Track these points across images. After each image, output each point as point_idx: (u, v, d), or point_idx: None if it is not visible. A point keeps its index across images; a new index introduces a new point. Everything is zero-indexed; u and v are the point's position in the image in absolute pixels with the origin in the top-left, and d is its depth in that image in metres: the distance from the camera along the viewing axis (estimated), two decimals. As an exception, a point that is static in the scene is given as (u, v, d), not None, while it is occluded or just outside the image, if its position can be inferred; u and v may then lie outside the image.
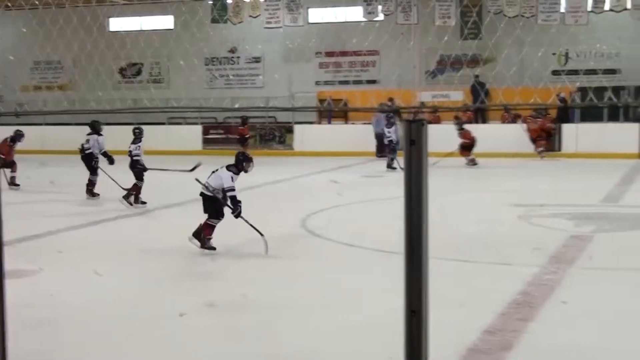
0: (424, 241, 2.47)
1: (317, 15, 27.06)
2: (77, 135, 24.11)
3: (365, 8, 24.20)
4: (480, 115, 23.47)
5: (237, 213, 8.73)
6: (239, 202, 8.80)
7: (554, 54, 24.39)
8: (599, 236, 9.79)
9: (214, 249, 8.77)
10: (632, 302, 6.67)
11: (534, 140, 20.76)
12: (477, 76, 24.59)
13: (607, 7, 22.11)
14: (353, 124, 25.42)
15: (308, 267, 8.30)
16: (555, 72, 24.22)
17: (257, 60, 28.82)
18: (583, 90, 22.70)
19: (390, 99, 24.58)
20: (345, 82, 27.58)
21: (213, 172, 9.11)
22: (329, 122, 26.44)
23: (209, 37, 27.07)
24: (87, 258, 8.57)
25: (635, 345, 5.53)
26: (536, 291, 6.89)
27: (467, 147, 19.53)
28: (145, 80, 30.05)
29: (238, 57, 29.07)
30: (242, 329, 5.98)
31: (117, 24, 29.93)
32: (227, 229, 10.67)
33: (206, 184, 8.96)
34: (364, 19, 24.36)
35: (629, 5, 21.94)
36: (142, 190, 12.81)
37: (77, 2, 26.10)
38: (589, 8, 22.17)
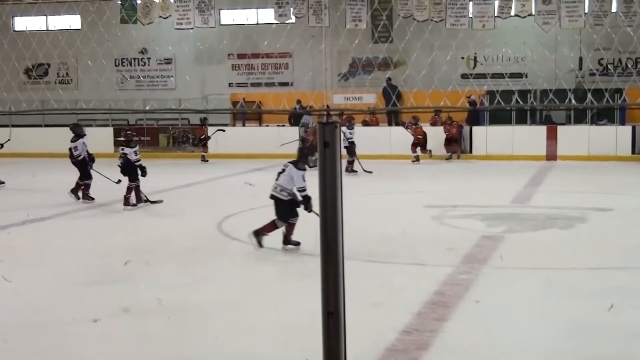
0: (339, 242, 2.48)
1: (229, 16, 26.91)
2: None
3: (276, 10, 24.20)
4: (393, 117, 23.76)
5: (310, 209, 8.54)
6: (310, 198, 8.64)
7: (462, 57, 24.91)
8: (510, 236, 10.02)
9: (299, 243, 8.85)
10: (541, 300, 6.86)
11: (416, 145, 21.05)
12: (389, 79, 24.91)
13: (512, 12, 22.77)
14: (267, 126, 25.38)
15: (223, 270, 8.24)
16: (464, 76, 24.74)
17: (168, 61, 28.44)
18: (491, 94, 23.24)
19: (298, 101, 24.67)
20: (258, 84, 27.52)
21: (279, 173, 9.03)
22: (243, 125, 26.33)
23: (118, 38, 26.54)
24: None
25: (544, 338, 5.68)
26: (450, 291, 7.01)
27: (419, 143, 20.24)
28: (53, 81, 29.25)
29: (149, 58, 28.61)
30: (156, 333, 5.88)
31: (22, 23, 29.06)
32: (141, 232, 10.51)
33: (277, 187, 8.95)
34: (276, 21, 24.37)
35: (533, 11, 22.65)
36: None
37: (-23, 0, 25.21)
38: (496, 13, 22.79)
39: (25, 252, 9.25)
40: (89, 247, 9.45)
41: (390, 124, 23.90)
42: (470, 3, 22.76)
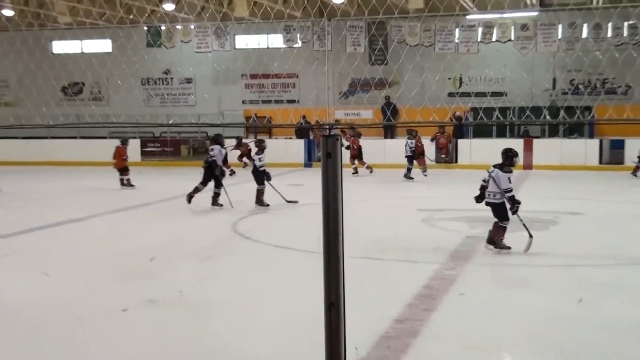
0: (340, 242, 2.49)
1: (243, 41, 26.99)
2: (23, 147, 23.49)
3: (285, 36, 24.30)
4: (390, 131, 23.79)
5: (514, 211, 8.38)
6: (518, 201, 8.45)
7: (449, 78, 24.93)
8: (490, 236, 10.02)
9: (509, 247, 8.54)
10: (518, 294, 6.87)
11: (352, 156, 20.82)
12: (387, 97, 24.96)
13: (494, 38, 22.82)
14: (276, 138, 25.39)
15: (239, 266, 8.24)
16: (450, 94, 24.76)
17: (189, 81, 28.49)
18: (475, 110, 23.27)
19: (304, 117, 24.74)
20: (268, 102, 27.56)
21: (486, 179, 8.68)
22: (255, 137, 26.34)
23: (144, 60, 26.65)
24: (34, 261, 8.32)
25: (521, 328, 5.68)
26: (438, 285, 7.02)
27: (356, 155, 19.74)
28: (87, 98, 29.32)
29: (171, 78, 28.68)
30: (178, 322, 5.90)
31: (59, 46, 29.17)
32: (164, 232, 10.53)
33: (489, 193, 8.58)
34: (284, 46, 24.44)
35: (512, 37, 22.70)
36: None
37: (20, 26, 25.31)
38: (479, 39, 22.84)
39: (60, 251, 9.27)
40: (117, 246, 9.46)
41: (386, 137, 23.93)
42: (457, 30, 22.81)
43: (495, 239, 8.55)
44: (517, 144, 21.36)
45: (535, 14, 22.79)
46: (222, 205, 12.79)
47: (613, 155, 21.05)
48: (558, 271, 7.78)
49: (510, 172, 8.58)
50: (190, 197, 13.02)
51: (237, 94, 27.75)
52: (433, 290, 6.77)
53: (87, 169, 20.62)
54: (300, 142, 23.15)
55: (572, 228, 10.81)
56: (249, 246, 9.48)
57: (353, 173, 19.56)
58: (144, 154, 24.09)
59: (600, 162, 20.84)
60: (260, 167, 12.89)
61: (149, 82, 28.75)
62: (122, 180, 16.76)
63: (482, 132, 22.70)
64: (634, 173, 17.93)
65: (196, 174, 20.10)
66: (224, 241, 9.79)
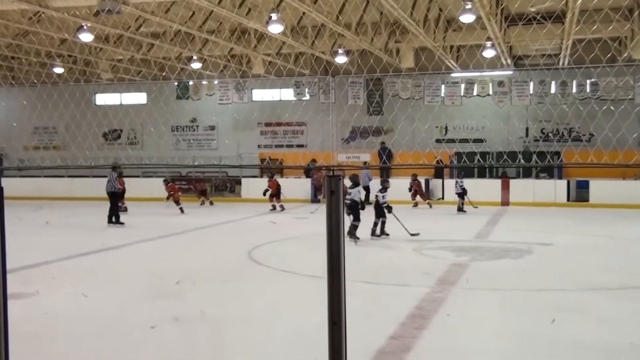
0: (341, 267, 2.48)
1: (259, 94, 27.28)
2: (68, 184, 23.58)
3: (295, 90, 24.62)
4: (385, 172, 23.82)
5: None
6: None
7: (436, 127, 25.06)
8: (474, 264, 9.95)
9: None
10: (498, 313, 6.80)
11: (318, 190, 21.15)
12: (383, 142, 25.05)
13: (475, 93, 23.01)
14: (287, 177, 25.45)
15: (253, 288, 8.19)
16: (438, 141, 24.86)
17: (212, 128, 28.70)
18: (459, 154, 23.33)
19: (314, 160, 24.82)
20: (280, 146, 27.70)
21: None
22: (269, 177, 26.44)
23: (174, 110, 26.95)
24: (76, 282, 8.28)
25: (500, 345, 5.62)
26: (427, 306, 6.95)
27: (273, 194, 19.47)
28: (124, 143, 29.52)
29: (197, 126, 28.89)
30: (200, 338, 5.84)
31: (102, 98, 29.54)
32: (189, 258, 10.49)
33: None
34: (294, 98, 24.70)
35: (490, 92, 22.89)
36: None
37: (68, 81, 25.65)
38: (462, 93, 23.04)
39: (98, 273, 9.24)
40: (147, 270, 9.44)
41: (382, 177, 23.92)
42: (443, 85, 23.03)
43: None
44: (495, 184, 21.46)
45: (510, 72, 23.00)
46: (358, 238, 12.16)
47: (579, 194, 21.00)
48: (532, 294, 7.70)
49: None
50: (352, 235, 12.08)
51: (254, 139, 27.91)
52: (423, 311, 6.70)
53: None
54: (308, 181, 23.19)
55: (544, 257, 10.73)
56: (262, 271, 9.43)
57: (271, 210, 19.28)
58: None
59: (568, 199, 20.79)
60: (383, 203, 12.73)
61: (178, 129, 28.96)
62: (180, 208, 18.12)
63: (465, 173, 22.69)
64: None
65: (217, 208, 20.19)
66: (240, 267, 9.74)
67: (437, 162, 22.66)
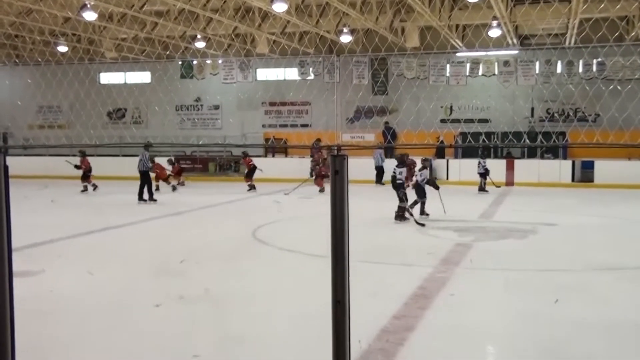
0: (345, 246, 2.48)
1: (263, 74, 27.16)
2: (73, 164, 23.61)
3: (299, 70, 24.47)
4: (389, 152, 23.77)
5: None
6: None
7: (441, 107, 24.94)
8: (477, 244, 9.95)
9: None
10: (501, 293, 6.82)
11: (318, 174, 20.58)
12: (387, 122, 24.95)
13: (480, 73, 22.85)
14: (291, 157, 25.46)
15: (257, 267, 8.22)
16: (442, 121, 24.76)
17: (216, 107, 28.64)
18: (464, 135, 23.25)
19: (318, 139, 24.74)
20: (285, 126, 27.65)
21: None
22: (273, 156, 26.45)
23: (178, 89, 26.87)
24: (82, 261, 8.33)
25: (502, 325, 5.64)
26: (431, 286, 6.97)
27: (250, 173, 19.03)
28: (128, 122, 29.52)
29: (201, 105, 28.83)
30: (204, 316, 5.87)
31: (106, 77, 29.43)
32: (194, 238, 10.53)
33: None
34: (299, 78, 24.58)
35: (496, 72, 22.72)
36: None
37: (72, 60, 25.57)
38: (467, 73, 22.87)
39: (104, 252, 9.29)
40: (152, 249, 9.49)
41: (386, 157, 23.88)
42: (448, 65, 22.86)
43: None
44: (500, 164, 21.39)
45: (515, 52, 22.81)
46: (407, 219, 12.05)
47: (584, 174, 20.94)
48: (535, 274, 7.71)
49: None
50: (401, 217, 12.09)
51: (258, 119, 27.86)
52: (426, 291, 6.72)
53: (129, 183, 20.66)
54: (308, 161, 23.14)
55: (548, 237, 10.73)
56: (266, 250, 9.46)
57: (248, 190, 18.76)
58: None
59: (573, 180, 20.74)
60: (422, 181, 12.59)
61: (182, 108, 28.91)
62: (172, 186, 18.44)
63: (469, 153, 22.65)
64: None
65: (222, 187, 20.21)
66: (244, 246, 9.77)
67: (440, 142, 22.58)
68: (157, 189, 18.36)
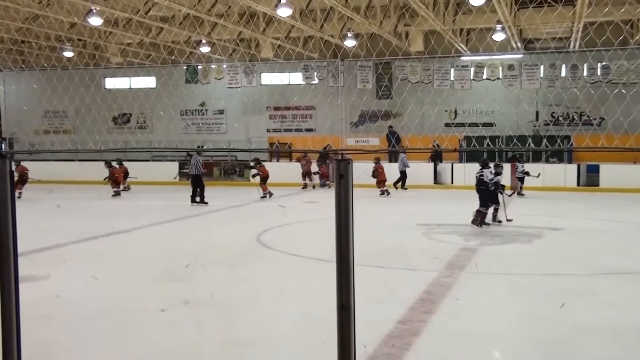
0: (350, 251, 2.47)
1: (267, 78, 27.19)
2: (78, 168, 23.68)
3: (304, 74, 24.47)
4: (394, 156, 23.75)
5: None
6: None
7: (446, 111, 24.91)
8: (483, 248, 9.94)
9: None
10: (507, 298, 6.79)
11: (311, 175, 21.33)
12: (390, 126, 24.93)
13: (484, 76, 22.81)
14: (296, 162, 25.46)
15: (261, 271, 8.22)
16: (447, 125, 24.73)
17: (221, 112, 28.69)
18: (468, 139, 23.21)
19: (329, 144, 24.77)
20: (289, 130, 27.66)
21: None
22: (277, 160, 26.43)
23: (183, 94, 26.93)
24: (87, 265, 8.33)
25: (508, 329, 5.61)
26: (436, 290, 6.94)
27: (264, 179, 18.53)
28: (133, 127, 29.58)
29: (206, 110, 28.89)
30: (209, 320, 5.86)
31: (111, 82, 29.56)
32: (198, 241, 10.53)
33: None
34: (303, 82, 24.59)
35: (500, 76, 22.69)
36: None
37: (78, 65, 25.67)
38: (472, 77, 22.85)
39: (109, 256, 9.29)
40: (157, 253, 9.48)
41: (390, 161, 23.87)
42: (452, 69, 22.85)
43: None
44: (505, 168, 21.29)
45: (520, 56, 22.79)
46: (488, 224, 12.04)
47: (589, 178, 20.86)
48: (541, 279, 7.68)
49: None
50: (481, 222, 12.00)
51: (263, 124, 27.89)
52: (432, 295, 6.70)
53: (133, 188, 20.73)
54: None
55: (554, 241, 10.69)
56: (271, 255, 9.45)
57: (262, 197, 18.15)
58: (181, 174, 24.17)
59: (578, 184, 20.67)
60: (496, 187, 12.09)
61: (187, 113, 28.97)
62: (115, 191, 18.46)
63: (474, 157, 22.59)
64: None
65: (226, 191, 20.22)
66: (249, 250, 9.77)
67: (434, 146, 22.56)
68: (118, 194, 18.61)
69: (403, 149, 22.49)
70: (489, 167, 12.29)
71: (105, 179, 19.02)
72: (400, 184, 20.67)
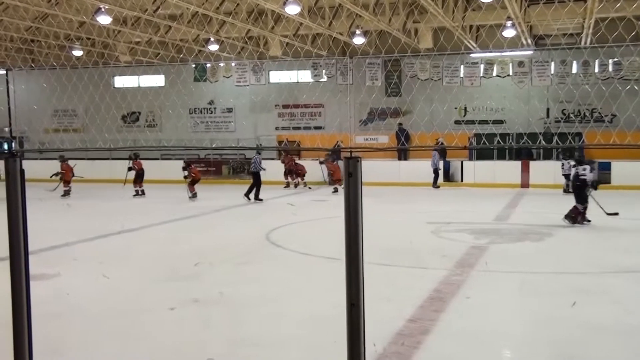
0: (359, 250, 2.47)
1: (276, 76, 27.18)
2: (88, 167, 23.81)
3: (312, 72, 24.48)
4: (403, 153, 23.68)
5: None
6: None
7: (455, 108, 24.80)
8: (493, 246, 9.90)
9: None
10: (517, 296, 6.77)
11: (331, 176, 21.14)
12: (400, 124, 24.88)
13: (494, 73, 22.72)
14: (305, 160, 25.45)
15: (271, 270, 8.23)
16: (457, 122, 24.63)
17: (229, 110, 28.72)
18: (478, 136, 23.12)
19: (340, 142, 24.75)
20: (298, 128, 27.65)
21: None
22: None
23: (192, 92, 26.99)
24: (97, 264, 8.38)
25: (518, 328, 5.60)
26: (446, 289, 6.94)
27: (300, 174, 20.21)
28: (142, 125, 29.67)
29: (215, 108, 28.93)
30: (218, 319, 5.89)
31: (120, 81, 29.66)
32: (208, 240, 10.57)
33: None
34: (312, 80, 24.58)
35: (510, 72, 22.59)
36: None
37: (87, 64, 25.79)
38: (481, 74, 22.76)
39: (118, 255, 9.34)
40: (167, 252, 9.52)
41: (400, 159, 23.82)
42: (462, 66, 22.77)
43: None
44: (515, 165, 21.26)
45: (530, 52, 22.66)
46: (589, 220, 11.85)
47: (601, 175, 20.69)
48: (552, 277, 7.65)
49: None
50: (582, 218, 11.81)
51: (271, 122, 27.90)
52: (442, 294, 6.69)
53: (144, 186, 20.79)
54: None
55: (564, 239, 10.64)
56: (280, 253, 9.47)
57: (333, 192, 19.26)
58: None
59: (589, 181, 20.52)
60: (587, 184, 11.75)
61: (196, 111, 29.03)
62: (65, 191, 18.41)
63: (484, 154, 22.52)
64: None
65: (235, 190, 20.27)
66: (258, 249, 9.79)
67: (438, 143, 22.46)
68: (67, 193, 18.60)
69: (439, 145, 22.19)
70: (591, 164, 11.89)
71: (52, 176, 18.92)
72: (433, 183, 20.73)
